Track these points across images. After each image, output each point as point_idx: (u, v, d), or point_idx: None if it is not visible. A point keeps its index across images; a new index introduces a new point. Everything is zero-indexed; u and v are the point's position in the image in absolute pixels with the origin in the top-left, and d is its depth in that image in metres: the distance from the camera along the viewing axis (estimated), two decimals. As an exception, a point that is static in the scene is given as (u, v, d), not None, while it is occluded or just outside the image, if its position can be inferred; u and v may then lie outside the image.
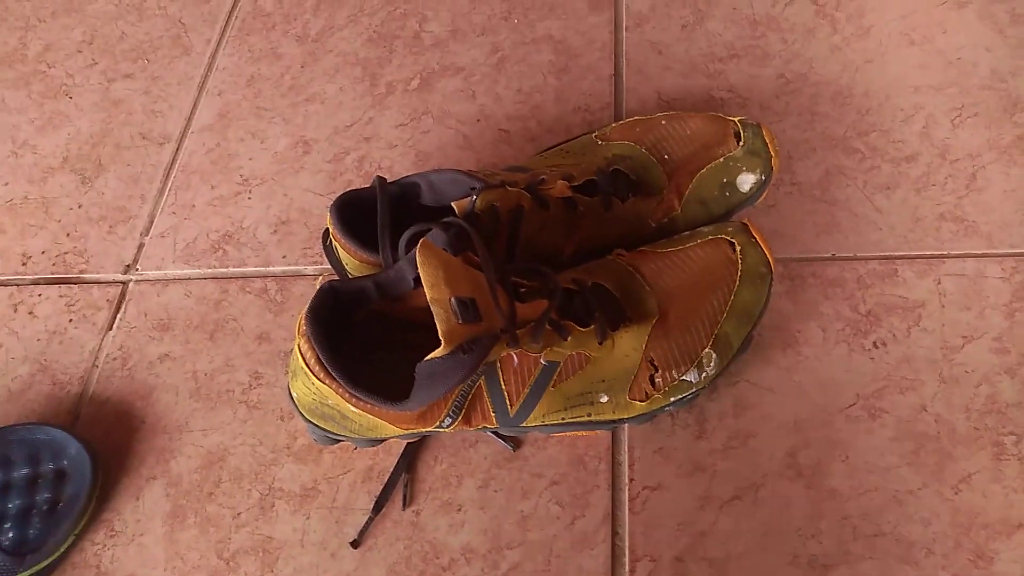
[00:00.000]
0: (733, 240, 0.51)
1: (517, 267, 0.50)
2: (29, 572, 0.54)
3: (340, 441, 0.52)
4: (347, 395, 0.47)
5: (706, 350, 0.50)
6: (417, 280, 0.49)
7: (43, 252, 0.71)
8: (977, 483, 0.48)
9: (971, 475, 0.49)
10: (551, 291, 0.49)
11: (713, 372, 0.50)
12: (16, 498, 0.56)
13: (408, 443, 0.55)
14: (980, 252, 0.56)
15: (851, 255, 0.58)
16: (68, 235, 0.71)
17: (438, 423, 0.49)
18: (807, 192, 0.61)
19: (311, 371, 0.47)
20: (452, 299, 0.44)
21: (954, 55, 0.66)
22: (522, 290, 0.49)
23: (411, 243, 0.51)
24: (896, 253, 0.57)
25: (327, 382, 0.47)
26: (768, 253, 0.51)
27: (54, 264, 0.70)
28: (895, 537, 0.47)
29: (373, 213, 0.54)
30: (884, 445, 0.50)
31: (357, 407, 0.47)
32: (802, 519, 0.49)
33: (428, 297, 0.44)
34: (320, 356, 0.47)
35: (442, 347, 0.43)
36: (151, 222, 0.71)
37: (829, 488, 0.49)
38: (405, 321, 0.52)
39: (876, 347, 0.54)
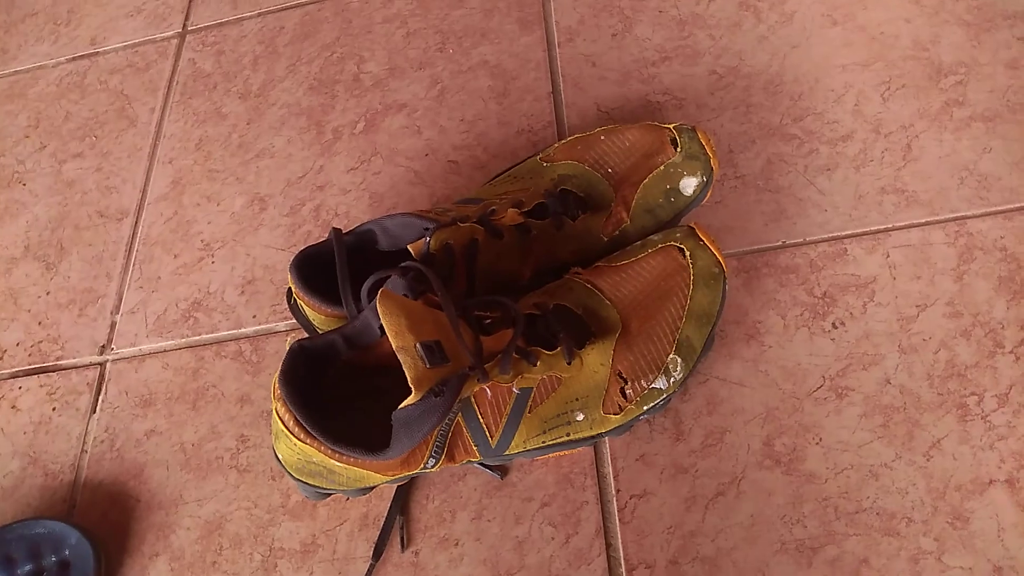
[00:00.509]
0: (681, 246, 0.53)
1: (477, 301, 0.51)
2: (46, 666, 0.54)
3: (332, 494, 0.54)
4: (329, 451, 0.48)
5: (671, 356, 0.51)
6: (383, 328, 0.50)
7: (17, 344, 0.72)
8: (947, 447, 0.50)
9: (940, 440, 0.50)
10: (514, 319, 0.50)
11: (680, 376, 0.51)
12: (23, 594, 0.57)
13: (398, 487, 0.56)
14: (923, 220, 0.58)
15: (800, 240, 0.59)
16: (40, 323, 0.72)
17: (422, 465, 0.50)
18: (751, 183, 0.63)
19: (291, 433, 0.48)
20: (417, 345, 0.45)
21: (876, 30, 0.68)
22: (487, 322, 0.51)
23: (372, 291, 0.52)
24: (843, 232, 0.59)
25: (308, 441, 0.48)
26: (717, 253, 0.52)
27: (30, 354, 0.71)
28: (875, 511, 0.49)
29: (333, 266, 0.55)
30: (854, 423, 0.52)
31: (341, 461, 0.49)
32: (785, 506, 0.50)
33: (394, 346, 0.45)
34: (298, 417, 0.48)
35: (413, 394, 0.45)
36: (120, 299, 0.72)
37: (807, 472, 0.51)
38: (378, 367, 0.53)
39: (835, 327, 0.55)
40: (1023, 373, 0.51)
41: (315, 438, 0.48)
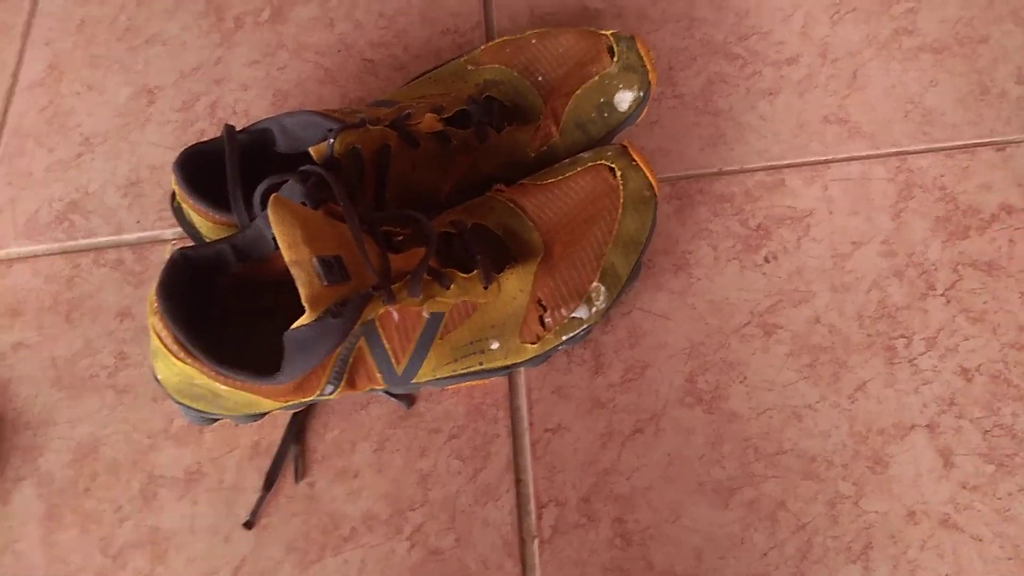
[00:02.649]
0: (612, 165, 0.48)
1: (386, 215, 0.46)
2: None
3: (218, 420, 0.49)
4: (213, 373, 0.43)
5: (594, 284, 0.47)
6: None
7: None
8: (872, 390, 0.48)
9: (866, 383, 0.49)
10: (426, 237, 0.45)
11: (603, 306, 0.48)
12: None
13: (293, 413, 0.51)
14: (864, 154, 0.55)
15: (738, 168, 0.56)
16: None
17: (319, 392, 0.45)
18: (690, 104, 0.59)
19: (171, 351, 0.43)
20: (314, 259, 0.40)
21: (830, -54, 0.64)
22: (397, 239, 0.46)
23: (267, 197, 0.47)
24: (782, 162, 0.56)
25: (189, 362, 0.43)
26: (651, 175, 0.48)
27: None
28: (796, 453, 0.47)
29: (223, 167, 0.49)
30: (780, 361, 0.50)
31: (227, 384, 0.44)
32: (704, 445, 0.48)
33: (287, 260, 0.40)
34: (177, 334, 0.42)
35: (307, 313, 0.40)
36: None
37: (729, 411, 0.49)
38: (271, 283, 0.47)
39: (767, 261, 0.52)
40: (952, 316, 0.50)
41: (197, 358, 0.42)
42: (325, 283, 0.40)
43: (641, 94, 0.53)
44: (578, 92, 0.52)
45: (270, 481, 0.50)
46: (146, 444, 0.53)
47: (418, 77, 0.58)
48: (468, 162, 0.52)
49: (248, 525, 0.49)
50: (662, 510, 0.47)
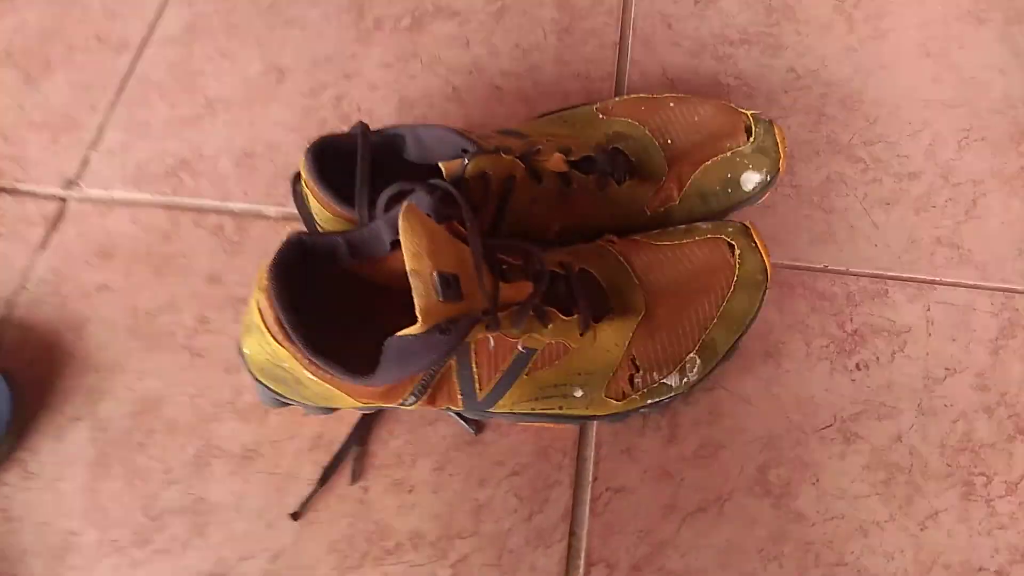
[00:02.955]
0: (733, 242, 0.49)
1: (504, 243, 0.46)
2: (-71, 510, 0.49)
3: (290, 405, 0.49)
4: (306, 362, 0.43)
5: (691, 355, 0.47)
6: (395, 243, 0.45)
7: (-26, 153, 0.64)
8: (944, 521, 0.47)
9: (938, 512, 0.48)
10: (536, 273, 0.46)
11: (695, 378, 0.48)
12: (-79, 426, 0.51)
13: (363, 415, 0.51)
14: (972, 283, 0.55)
15: (843, 269, 0.56)
16: (5, 138, 0.65)
17: (401, 400, 0.45)
18: (806, 197, 0.59)
19: (268, 330, 0.43)
20: (434, 274, 0.40)
21: (968, 73, 0.64)
22: (503, 267, 0.46)
23: (391, 201, 0.47)
24: (889, 273, 0.55)
25: (285, 344, 0.43)
26: (767, 260, 0.48)
27: (-15, 168, 0.63)
28: (856, 568, 0.46)
29: (351, 163, 0.50)
30: (856, 472, 0.49)
31: (315, 375, 0.44)
32: (765, 539, 0.47)
33: (408, 268, 0.40)
34: (280, 316, 0.43)
35: (418, 325, 0.40)
36: (100, 135, 0.65)
37: (796, 510, 0.48)
38: (376, 285, 0.48)
39: (859, 369, 0.52)
40: (1037, 465, 0.49)
41: (294, 343, 0.43)
42: (441, 299, 0.40)
43: (768, 178, 0.53)
44: (707, 163, 0.53)
45: (325, 477, 0.50)
46: (209, 412, 0.53)
47: (547, 114, 0.58)
48: (584, 207, 0.53)
49: (295, 516, 0.49)
50: (712, 595, 0.46)
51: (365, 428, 0.51)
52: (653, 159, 0.54)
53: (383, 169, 0.51)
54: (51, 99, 0.66)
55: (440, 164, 0.49)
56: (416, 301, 0.40)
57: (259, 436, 0.52)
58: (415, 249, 0.40)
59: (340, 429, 0.51)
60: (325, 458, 0.51)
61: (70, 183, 0.62)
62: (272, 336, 0.43)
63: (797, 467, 0.49)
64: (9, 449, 0.52)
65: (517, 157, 0.51)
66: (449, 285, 0.41)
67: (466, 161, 0.48)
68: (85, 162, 0.63)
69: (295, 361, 0.43)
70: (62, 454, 0.52)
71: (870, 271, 0.55)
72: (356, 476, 0.50)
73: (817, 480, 0.49)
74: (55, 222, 0.60)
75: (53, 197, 0.62)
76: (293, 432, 0.52)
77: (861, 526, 0.47)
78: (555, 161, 0.52)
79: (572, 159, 0.52)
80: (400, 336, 0.40)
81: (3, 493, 0.51)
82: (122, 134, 0.64)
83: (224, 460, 0.51)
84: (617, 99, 0.57)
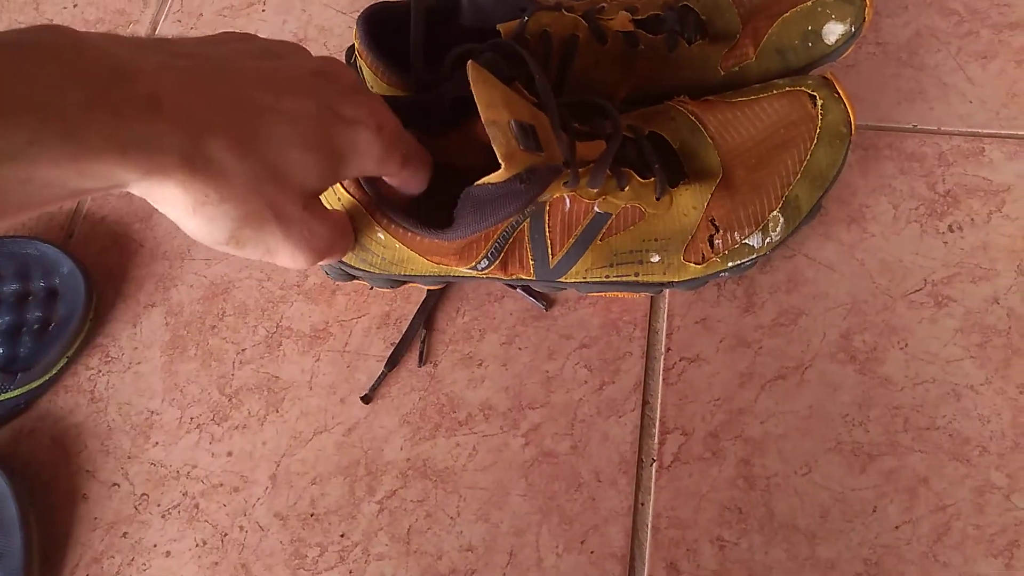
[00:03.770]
0: (815, 93, 0.45)
1: (576, 100, 0.44)
2: (21, 391, 0.51)
3: (356, 278, 0.48)
4: (382, 217, 0.41)
5: (774, 213, 0.44)
6: (457, 110, 0.43)
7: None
8: (1044, 384, 0.45)
9: (1039, 375, 0.45)
10: (610, 133, 0.43)
11: (778, 238, 0.45)
12: (5, 314, 0.52)
13: (428, 294, 0.50)
14: (1079, 137, 0.51)
15: (935, 128, 0.52)
16: (62, 36, 0.64)
17: (474, 263, 0.44)
18: (892, 54, 0.54)
19: (340, 183, 0.41)
20: (512, 122, 0.38)
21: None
22: (575, 128, 0.43)
23: (455, 64, 0.45)
24: (985, 130, 0.51)
25: (359, 197, 0.41)
26: (851, 111, 0.45)
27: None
28: (948, 432, 0.44)
29: (404, 31, 0.48)
30: (948, 335, 0.46)
31: (388, 231, 0.42)
32: (849, 405, 0.45)
33: (484, 119, 0.37)
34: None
35: (502, 171, 0.37)
36: (154, 30, 0.64)
37: (883, 375, 0.46)
38: (440, 165, 0.46)
39: (951, 230, 0.49)
40: None
41: (366, 193, 0.41)
42: (521, 147, 0.38)
43: (852, 29, 0.49)
44: (786, 15, 0.49)
45: (394, 360, 0.49)
46: (278, 295, 0.53)
47: (610, -26, 0.55)
48: (651, 69, 0.50)
49: (366, 399, 0.49)
50: (793, 461, 0.44)
51: (430, 309, 0.50)
52: (725, 16, 0.50)
53: (439, 36, 0.49)
54: (104, -7, 0.65)
55: (499, 27, 0.46)
56: (497, 149, 0.37)
57: (327, 316, 0.52)
58: (489, 99, 0.38)
59: (406, 308, 0.51)
60: (393, 336, 0.50)
61: (128, 76, 0.62)
62: (344, 187, 0.41)
63: (884, 332, 0.47)
64: (88, 334, 0.53)
65: (580, 16, 0.48)
66: (527, 134, 0.38)
67: (525, 19, 0.46)
68: (142, 55, 0.62)
69: (369, 215, 0.42)
70: (139, 339, 0.53)
71: (964, 129, 0.51)
72: (424, 358, 0.50)
73: (905, 345, 0.46)
74: (117, 116, 0.60)
75: (113, 91, 0.61)
76: (360, 311, 0.51)
77: (954, 390, 0.45)
78: (620, 20, 0.49)
79: (638, 18, 0.49)
80: (479, 185, 0.38)
81: (87, 376, 0.52)
82: (176, 26, 0.63)
83: (294, 340, 0.51)
84: (685, -46, 0.53)
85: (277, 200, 0.32)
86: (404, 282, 0.48)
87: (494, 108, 0.37)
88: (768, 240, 0.45)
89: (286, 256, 0.35)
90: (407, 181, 0.40)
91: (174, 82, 0.30)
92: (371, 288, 0.51)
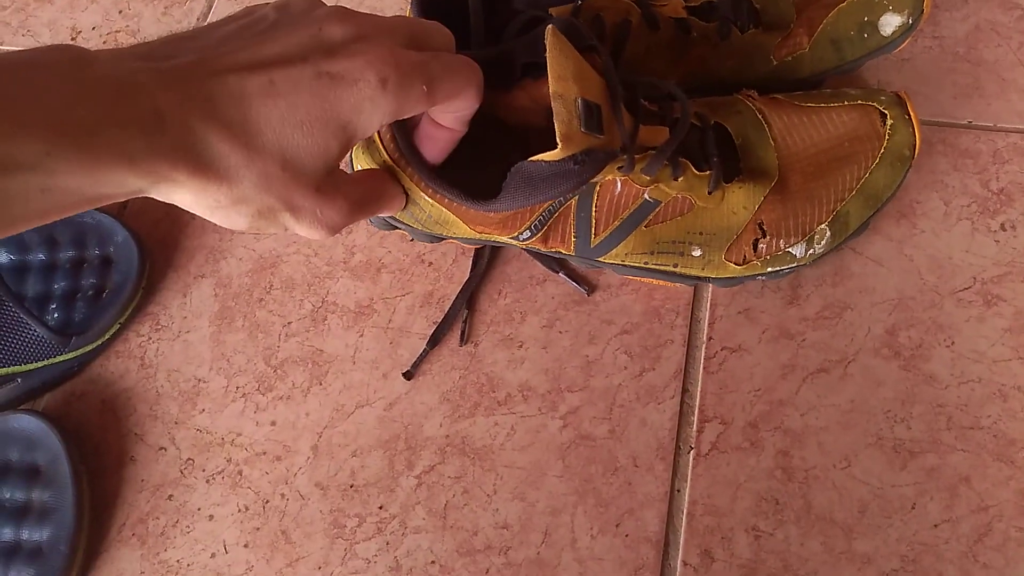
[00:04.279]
0: (886, 111, 0.45)
1: (646, 81, 0.43)
2: (74, 354, 0.52)
3: (398, 228, 0.47)
4: (423, 184, 0.42)
5: (822, 225, 0.44)
6: (525, 67, 0.42)
7: (93, 28, 0.66)
8: (1095, 387, 0.44)
9: (1089, 378, 0.44)
10: (677, 120, 0.42)
11: (821, 251, 0.45)
12: (61, 279, 0.54)
13: (471, 275, 0.51)
14: None
15: (991, 125, 0.51)
16: (120, 12, 0.66)
17: (516, 233, 0.44)
18: (949, 48, 0.54)
19: (385, 147, 0.41)
20: (579, 99, 0.38)
21: None
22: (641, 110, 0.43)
23: (521, 32, 0.44)
24: (1043, 128, 0.50)
25: (402, 164, 0.41)
26: (918, 136, 0.44)
27: (104, 42, 0.65)
28: (993, 432, 0.44)
29: (456, 13, 0.48)
30: (996, 335, 0.46)
31: (432, 198, 0.42)
32: (893, 401, 0.45)
33: (552, 90, 0.37)
34: (396, 133, 0.41)
35: (558, 150, 0.37)
36: (210, 8, 0.65)
37: (927, 373, 0.45)
38: (494, 118, 0.45)
39: (1004, 229, 0.48)
40: None
41: (410, 164, 0.41)
42: (583, 128, 0.38)
43: (910, 21, 0.48)
44: (843, 5, 0.48)
45: (436, 338, 0.50)
46: (324, 271, 0.54)
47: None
48: (703, 57, 0.50)
49: (408, 376, 0.50)
50: (833, 454, 0.44)
51: (472, 289, 0.51)
52: (779, 5, 0.50)
53: (491, 19, 0.49)
54: (163, -30, 0.67)
55: (551, 11, 0.47)
56: (557, 127, 0.37)
57: (372, 293, 0.52)
58: (561, 71, 0.37)
59: (449, 287, 0.52)
60: (435, 315, 0.51)
61: (185, 52, 0.63)
62: (388, 154, 0.41)
63: (930, 329, 0.46)
64: (140, 302, 0.54)
65: (633, 1, 0.48)
66: (592, 115, 0.38)
67: (579, 2, 0.46)
68: (198, 32, 0.64)
69: (411, 182, 0.42)
70: (188, 308, 0.54)
71: (1022, 126, 0.51)
72: (465, 337, 0.50)
73: (952, 343, 0.46)
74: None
75: (169, 67, 0.63)
76: (404, 289, 0.52)
77: (1000, 390, 0.44)
78: (673, 6, 0.49)
79: (692, 4, 0.49)
80: (532, 161, 0.38)
81: (138, 343, 0.54)
82: (233, 4, 0.65)
83: (339, 315, 0.52)
84: (741, -58, 0.53)
85: (286, 193, 0.33)
86: (445, 239, 0.48)
87: (564, 81, 0.36)
88: (811, 252, 0.45)
89: (304, 234, 0.36)
90: (446, 112, 0.38)
91: (174, 93, 0.30)
92: (411, 240, 0.51)
